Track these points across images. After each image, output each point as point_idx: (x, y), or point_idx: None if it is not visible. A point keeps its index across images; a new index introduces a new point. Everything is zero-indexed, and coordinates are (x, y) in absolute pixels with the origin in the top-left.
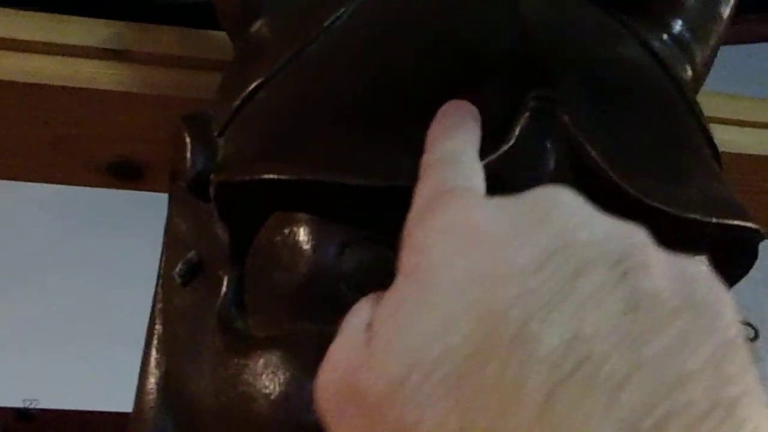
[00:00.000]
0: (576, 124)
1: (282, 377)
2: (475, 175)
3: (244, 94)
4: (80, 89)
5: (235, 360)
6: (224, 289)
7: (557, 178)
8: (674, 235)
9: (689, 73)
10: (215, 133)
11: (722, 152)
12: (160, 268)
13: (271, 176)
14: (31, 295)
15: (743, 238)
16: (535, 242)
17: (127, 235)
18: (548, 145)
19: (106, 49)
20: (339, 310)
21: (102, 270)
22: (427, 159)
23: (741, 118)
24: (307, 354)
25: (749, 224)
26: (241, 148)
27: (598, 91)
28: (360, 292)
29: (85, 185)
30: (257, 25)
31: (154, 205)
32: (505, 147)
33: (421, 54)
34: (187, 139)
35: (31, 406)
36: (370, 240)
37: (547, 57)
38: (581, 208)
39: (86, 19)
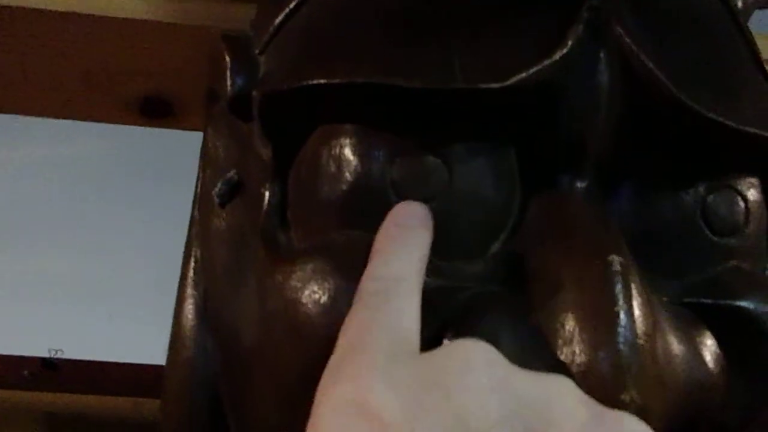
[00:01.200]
0: (630, 36)
1: (331, 282)
2: (406, 317)
3: (287, 10)
4: (111, 18)
5: (282, 268)
6: (266, 205)
7: (610, 90)
8: (729, 153)
9: (740, 2)
10: (256, 51)
11: None
12: (196, 191)
13: (320, 81)
14: (58, 250)
15: None
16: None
17: (151, 192)
18: (602, 56)
19: None
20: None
21: (127, 227)
22: (363, 284)
23: None
24: (355, 261)
25: None
26: (285, 61)
27: (649, 7)
28: (407, 199)
29: (115, 122)
30: None
31: (179, 155)
32: (560, 54)
33: None
34: (227, 57)
35: (56, 356)
36: (419, 148)
37: None
38: (490, 374)
39: None
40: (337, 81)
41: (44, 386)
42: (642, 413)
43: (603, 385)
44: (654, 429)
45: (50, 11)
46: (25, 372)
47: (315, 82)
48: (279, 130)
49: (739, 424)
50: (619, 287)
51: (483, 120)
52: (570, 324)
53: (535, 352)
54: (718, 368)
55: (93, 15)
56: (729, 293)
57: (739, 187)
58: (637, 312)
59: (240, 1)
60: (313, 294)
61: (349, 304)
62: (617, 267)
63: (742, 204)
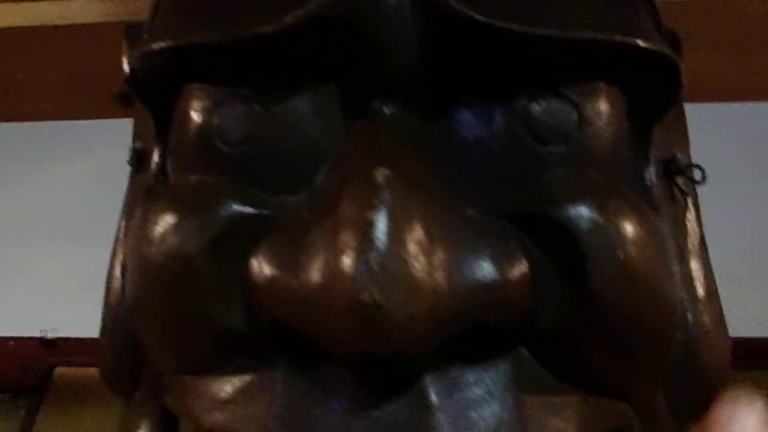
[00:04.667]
0: None
1: (163, 223)
2: None
3: None
4: (77, 26)
5: (141, 218)
6: (153, 162)
7: (401, 15)
8: (547, 62)
9: None
10: (145, 35)
11: None
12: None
13: (147, 50)
14: None
15: (647, 61)
16: None
17: None
18: None
19: None
20: (215, 161)
21: None
22: None
23: None
24: (187, 200)
25: (624, 39)
26: (151, 38)
27: None
28: (228, 144)
29: (101, 117)
30: None
31: None
32: None
33: None
34: (125, 46)
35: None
36: (237, 95)
37: None
38: None
39: None
40: (157, 48)
41: None
42: (391, 314)
43: (346, 287)
44: (424, 329)
45: (27, 27)
46: None
47: (145, 50)
48: (153, 97)
49: (552, 323)
50: (377, 199)
51: (287, 60)
52: (332, 235)
53: (298, 266)
54: (517, 273)
55: (59, 25)
56: (543, 201)
57: (568, 94)
58: (394, 221)
59: None
60: (149, 234)
61: (176, 235)
62: (380, 179)
63: (571, 110)
